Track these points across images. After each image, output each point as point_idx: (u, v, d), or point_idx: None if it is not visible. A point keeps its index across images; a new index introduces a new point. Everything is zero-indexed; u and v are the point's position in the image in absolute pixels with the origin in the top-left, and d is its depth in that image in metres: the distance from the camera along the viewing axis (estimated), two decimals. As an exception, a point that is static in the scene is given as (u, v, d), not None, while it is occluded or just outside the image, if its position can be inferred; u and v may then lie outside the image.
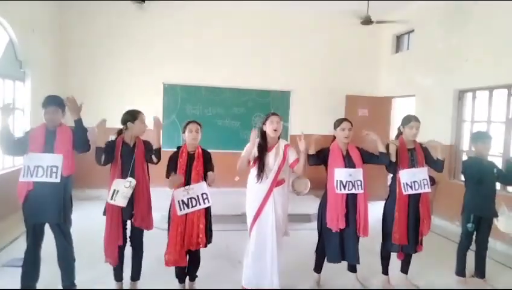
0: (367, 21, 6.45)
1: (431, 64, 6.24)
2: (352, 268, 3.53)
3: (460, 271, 3.75)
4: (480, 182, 3.57)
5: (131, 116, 3.14)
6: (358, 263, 3.39)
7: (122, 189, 2.99)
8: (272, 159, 3.25)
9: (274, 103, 7.39)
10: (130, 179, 3.03)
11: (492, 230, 3.72)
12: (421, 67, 6.47)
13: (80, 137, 3.02)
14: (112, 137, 3.20)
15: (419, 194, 3.38)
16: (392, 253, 3.56)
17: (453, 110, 5.78)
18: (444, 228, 5.62)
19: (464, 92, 5.72)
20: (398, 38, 7.45)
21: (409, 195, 3.36)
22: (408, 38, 7.16)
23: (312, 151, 3.32)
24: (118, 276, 3.25)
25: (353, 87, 7.42)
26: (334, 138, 3.44)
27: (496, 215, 3.64)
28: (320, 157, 3.37)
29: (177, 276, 3.29)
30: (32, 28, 5.54)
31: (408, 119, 3.45)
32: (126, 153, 3.10)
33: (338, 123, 3.37)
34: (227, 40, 7.09)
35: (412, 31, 6.89)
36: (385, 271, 3.66)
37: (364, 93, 7.41)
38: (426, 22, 6.42)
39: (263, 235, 3.23)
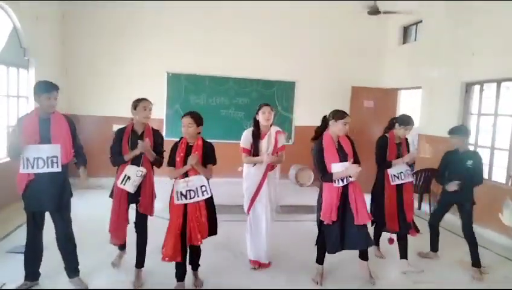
0: (374, 11, 6.35)
1: (438, 56, 6.13)
2: (364, 256, 3.51)
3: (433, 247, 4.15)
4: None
5: (133, 104, 3.26)
6: (364, 248, 3.41)
7: (133, 177, 3.13)
8: (265, 146, 3.63)
9: (278, 94, 7.32)
10: (142, 169, 3.17)
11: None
12: (428, 59, 6.36)
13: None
14: (116, 127, 3.24)
15: (402, 183, 3.73)
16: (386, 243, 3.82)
17: (460, 102, 5.69)
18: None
19: (471, 84, 5.63)
20: (406, 29, 7.33)
21: (396, 184, 3.70)
22: (416, 29, 7.03)
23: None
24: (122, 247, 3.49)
25: (359, 78, 7.31)
26: (324, 128, 3.41)
27: (472, 203, 3.82)
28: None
29: (176, 275, 3.16)
30: (36, 15, 5.51)
31: (407, 122, 3.72)
32: (134, 141, 3.17)
33: (340, 116, 3.30)
34: (232, 29, 7.00)
35: (420, 21, 6.78)
36: (376, 243, 4.04)
37: (370, 85, 7.29)
38: (434, 13, 6.30)
39: (259, 213, 3.66)
